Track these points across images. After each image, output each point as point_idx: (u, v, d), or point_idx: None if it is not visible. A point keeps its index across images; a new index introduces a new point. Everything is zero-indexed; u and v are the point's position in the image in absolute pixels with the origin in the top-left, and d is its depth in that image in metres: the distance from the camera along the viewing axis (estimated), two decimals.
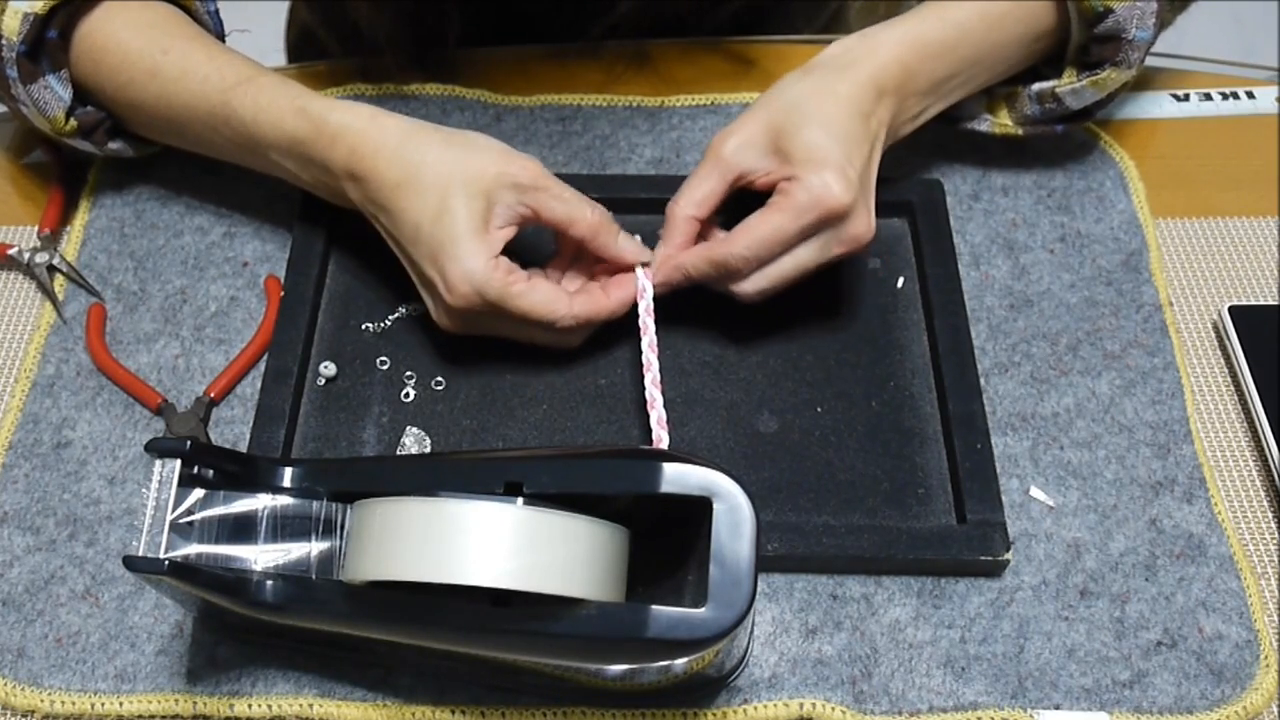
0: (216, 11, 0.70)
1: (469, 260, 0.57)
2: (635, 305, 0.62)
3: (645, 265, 0.62)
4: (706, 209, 0.61)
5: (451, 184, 0.58)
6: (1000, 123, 0.70)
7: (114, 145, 0.69)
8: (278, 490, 0.51)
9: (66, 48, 0.64)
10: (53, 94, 0.64)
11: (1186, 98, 0.79)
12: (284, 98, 0.62)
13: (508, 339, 0.63)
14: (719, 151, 0.61)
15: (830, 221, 0.59)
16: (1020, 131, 0.70)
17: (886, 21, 0.64)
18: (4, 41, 0.62)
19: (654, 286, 0.62)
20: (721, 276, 0.61)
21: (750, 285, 0.61)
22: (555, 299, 0.60)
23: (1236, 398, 0.65)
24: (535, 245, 0.65)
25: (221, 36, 0.70)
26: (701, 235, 0.63)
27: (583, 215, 0.60)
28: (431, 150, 0.59)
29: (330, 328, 0.66)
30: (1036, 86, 0.68)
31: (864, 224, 0.60)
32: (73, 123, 0.65)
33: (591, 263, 0.64)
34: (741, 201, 0.62)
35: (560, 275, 0.64)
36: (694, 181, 0.61)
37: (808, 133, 0.59)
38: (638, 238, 0.63)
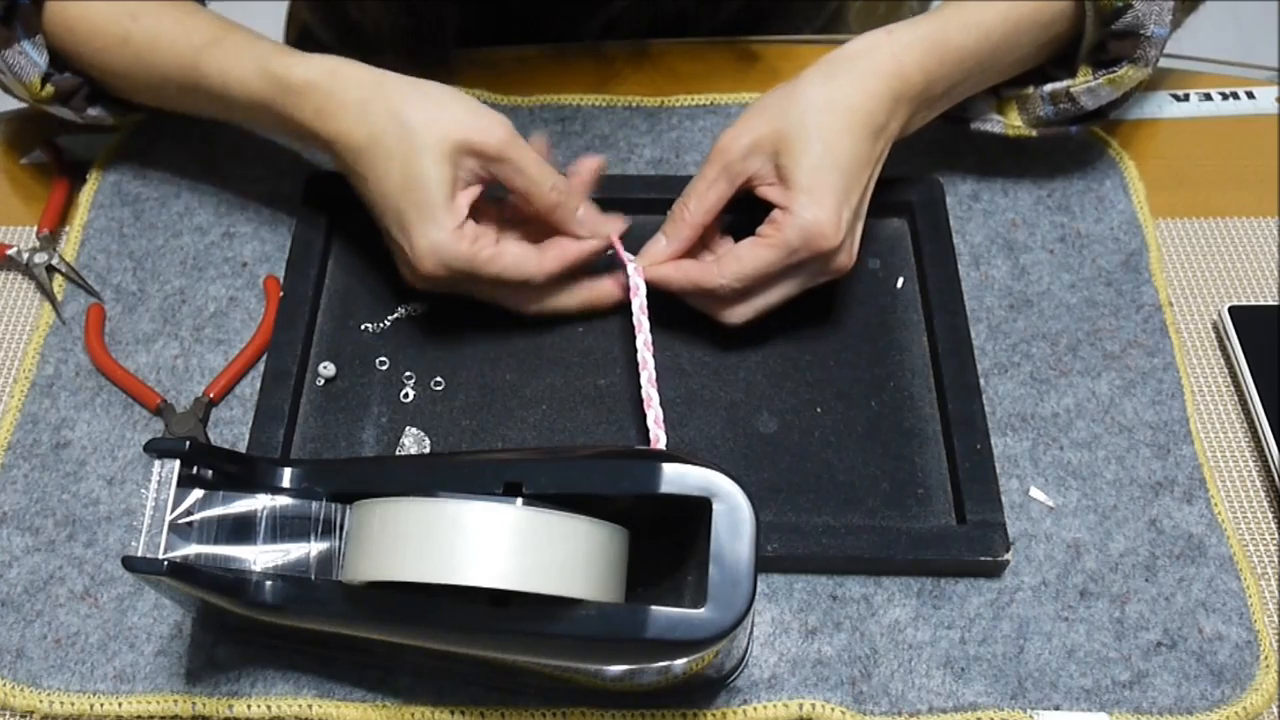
0: None
1: (434, 233, 0.57)
2: (630, 304, 0.62)
3: (635, 261, 0.63)
4: (714, 215, 0.62)
5: (414, 150, 0.57)
6: (1012, 124, 0.69)
7: (94, 111, 0.68)
8: (277, 491, 0.51)
9: (39, 12, 0.64)
10: (28, 59, 0.64)
11: (1186, 98, 0.78)
12: (248, 58, 0.61)
13: (490, 301, 0.63)
14: (728, 157, 0.60)
15: (817, 259, 0.60)
16: (1034, 133, 0.69)
17: (911, 21, 0.63)
18: None
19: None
20: (703, 297, 0.62)
21: (735, 316, 0.62)
22: (525, 258, 0.60)
23: (1236, 398, 0.65)
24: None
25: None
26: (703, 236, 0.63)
27: (541, 193, 0.60)
28: (393, 111, 0.58)
29: (329, 328, 0.66)
30: (1049, 87, 0.67)
31: (847, 258, 0.61)
32: (49, 88, 0.65)
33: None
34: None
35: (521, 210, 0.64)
36: (702, 187, 0.61)
37: (811, 158, 0.58)
38: (627, 224, 0.64)
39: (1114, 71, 0.65)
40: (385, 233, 0.61)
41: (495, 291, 0.62)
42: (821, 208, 0.58)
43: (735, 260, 0.60)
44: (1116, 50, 0.65)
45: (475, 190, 0.60)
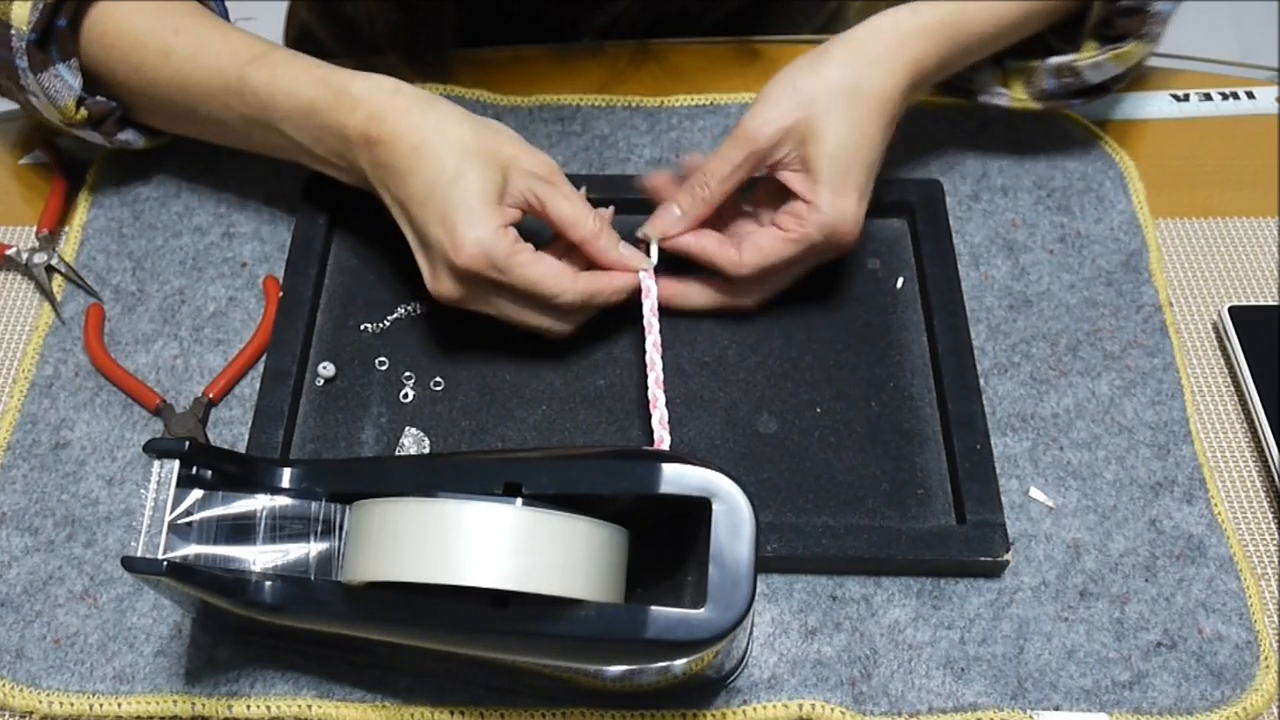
0: (223, 1, 0.70)
1: (480, 224, 0.57)
2: (640, 305, 0.62)
3: (647, 270, 0.62)
4: (733, 194, 0.63)
5: (470, 152, 0.58)
6: (1017, 97, 0.70)
7: (123, 136, 0.69)
8: (276, 491, 0.51)
9: (76, 36, 0.64)
10: (63, 83, 0.64)
11: (1186, 98, 0.78)
12: (302, 68, 0.62)
13: (503, 323, 0.62)
14: (756, 145, 0.60)
15: (832, 248, 0.62)
16: (1039, 106, 0.70)
17: (931, 4, 0.63)
18: (14, 31, 0.62)
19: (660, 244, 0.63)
20: (719, 288, 0.64)
21: (751, 300, 0.64)
22: (561, 273, 0.59)
23: (1236, 398, 0.65)
24: (533, 234, 0.64)
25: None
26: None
27: (585, 220, 0.60)
28: (452, 121, 0.60)
29: (329, 328, 0.66)
30: (1054, 61, 0.68)
31: (856, 239, 0.62)
32: (83, 112, 0.65)
33: (583, 261, 0.63)
34: None
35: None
36: (726, 169, 0.61)
37: (836, 149, 0.59)
38: (653, 244, 0.63)
39: (1120, 47, 0.66)
40: (420, 232, 0.60)
41: (519, 309, 0.61)
42: (846, 204, 0.59)
43: (757, 250, 0.61)
44: (1123, 26, 0.65)
45: (517, 214, 0.60)
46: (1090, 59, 0.67)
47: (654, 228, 0.63)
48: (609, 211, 0.62)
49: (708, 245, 0.62)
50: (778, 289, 0.64)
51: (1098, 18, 0.66)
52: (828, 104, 0.60)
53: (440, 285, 0.60)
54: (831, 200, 0.59)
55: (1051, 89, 0.69)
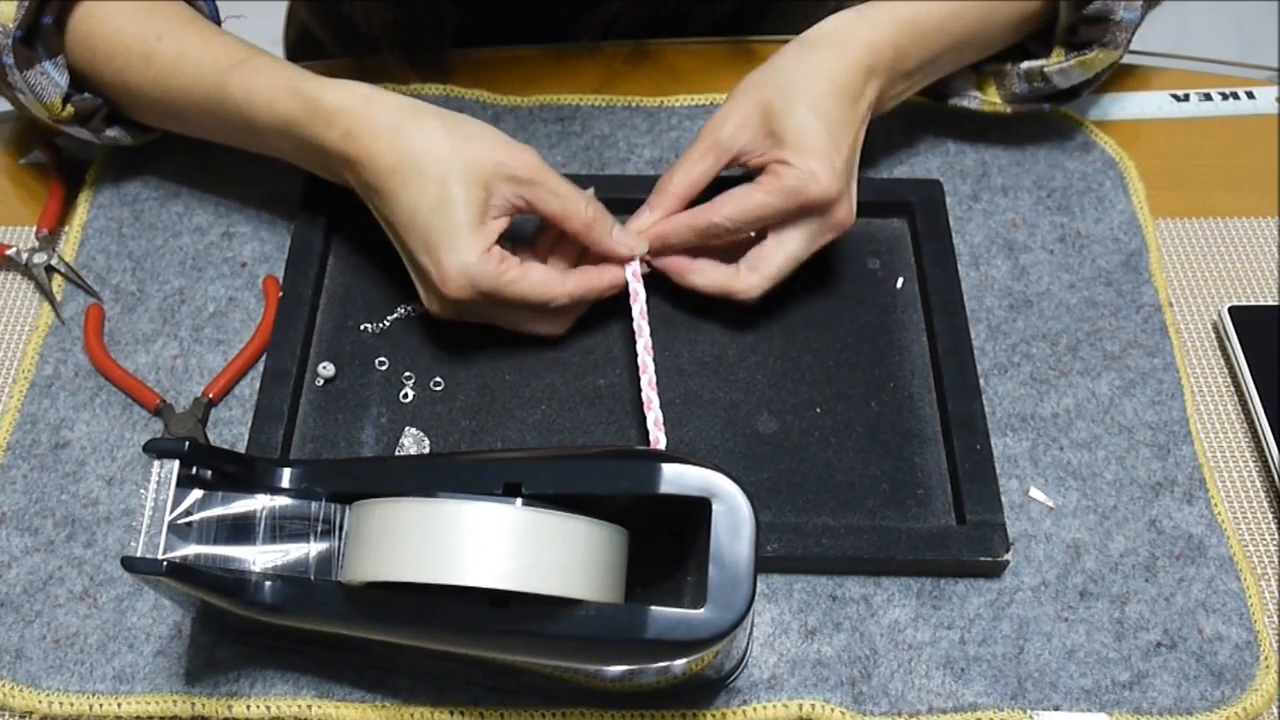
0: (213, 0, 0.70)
1: (464, 253, 0.58)
2: (630, 308, 0.62)
3: (635, 260, 0.63)
4: (699, 189, 0.63)
5: (449, 172, 0.58)
6: (989, 100, 0.71)
7: (111, 132, 0.69)
8: (276, 491, 0.51)
9: (62, 34, 0.64)
10: (49, 80, 0.64)
11: (1186, 98, 0.78)
12: (278, 79, 0.62)
13: (499, 328, 0.63)
14: (716, 134, 0.62)
15: (815, 210, 0.61)
16: (1009, 109, 0.71)
17: (882, 4, 0.65)
18: (0, 28, 0.62)
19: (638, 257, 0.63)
20: (700, 241, 0.62)
21: (748, 287, 0.62)
22: (549, 280, 0.60)
23: (1236, 398, 0.65)
24: (520, 223, 0.64)
25: (218, 24, 0.69)
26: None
27: (577, 211, 0.61)
28: (429, 135, 0.59)
29: (329, 328, 0.66)
30: (1025, 65, 0.69)
31: (846, 211, 0.62)
32: (69, 109, 0.65)
33: (577, 244, 0.64)
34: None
35: (546, 253, 0.64)
36: (689, 162, 0.63)
37: (799, 116, 0.60)
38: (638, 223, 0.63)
39: (1084, 54, 0.67)
40: (409, 257, 0.61)
41: (515, 317, 0.62)
42: (815, 156, 0.60)
43: (731, 200, 0.61)
44: (1087, 34, 0.67)
45: (505, 222, 0.60)
46: (1057, 65, 0.68)
47: (630, 228, 0.63)
48: (589, 193, 0.62)
49: (680, 217, 0.62)
50: (774, 276, 0.62)
51: (1065, 24, 0.67)
52: (784, 87, 0.61)
53: (433, 306, 0.62)
54: (801, 154, 0.60)
55: (1022, 93, 0.70)
